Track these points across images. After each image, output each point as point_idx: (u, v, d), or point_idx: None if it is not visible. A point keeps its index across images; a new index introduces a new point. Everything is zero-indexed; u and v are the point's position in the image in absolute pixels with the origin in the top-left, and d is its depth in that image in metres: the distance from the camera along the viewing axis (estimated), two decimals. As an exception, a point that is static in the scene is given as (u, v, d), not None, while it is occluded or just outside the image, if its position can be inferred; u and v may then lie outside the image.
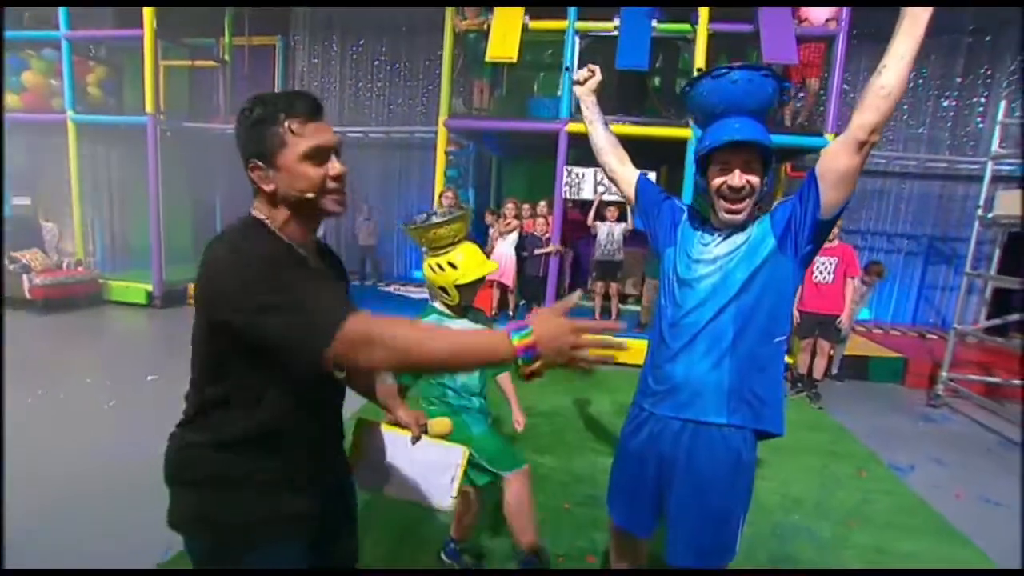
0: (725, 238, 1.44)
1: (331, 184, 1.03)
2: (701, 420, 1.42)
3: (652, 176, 5.26)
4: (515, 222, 6.02)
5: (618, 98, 5.74)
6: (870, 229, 7.69)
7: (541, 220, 5.96)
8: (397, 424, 1.45)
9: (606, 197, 5.60)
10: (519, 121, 5.74)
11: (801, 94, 5.80)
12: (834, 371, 5.42)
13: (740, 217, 1.41)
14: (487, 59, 5.40)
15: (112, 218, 8.37)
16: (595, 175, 5.54)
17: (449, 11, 5.72)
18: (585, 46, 5.49)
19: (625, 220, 5.72)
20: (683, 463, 1.44)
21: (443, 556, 2.24)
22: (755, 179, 1.39)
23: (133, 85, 7.60)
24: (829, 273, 4.56)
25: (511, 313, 6.27)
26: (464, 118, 6.20)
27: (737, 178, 1.38)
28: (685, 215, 1.58)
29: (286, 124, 0.99)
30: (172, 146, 7.11)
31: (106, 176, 8.17)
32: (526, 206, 6.20)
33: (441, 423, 1.61)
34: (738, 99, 1.40)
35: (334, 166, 1.03)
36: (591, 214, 5.78)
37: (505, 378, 2.22)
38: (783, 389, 1.58)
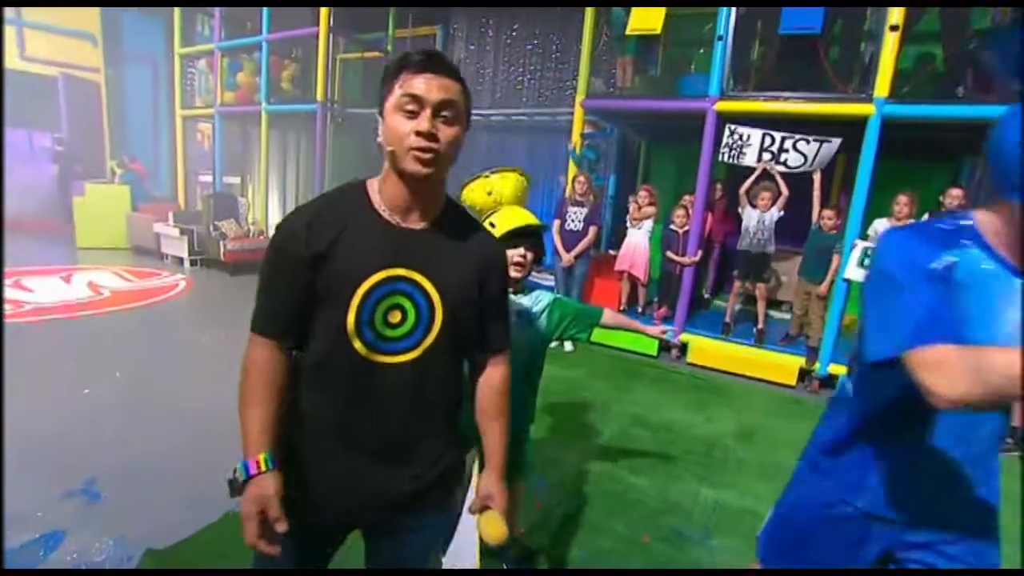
0: None
1: (413, 140, 0.92)
2: None
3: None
4: (650, 209, 5.52)
5: (781, 71, 4.82)
6: None
7: (681, 211, 5.36)
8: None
9: (777, 168, 4.54)
10: (659, 100, 5.17)
11: None
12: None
13: None
14: (627, 31, 4.96)
15: (297, 194, 9.67)
16: (762, 139, 4.51)
17: (593, -14, 5.37)
18: (742, 12, 4.69)
19: (777, 205, 4.70)
20: None
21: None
22: None
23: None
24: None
25: (640, 309, 5.82)
26: (603, 98, 5.84)
27: None
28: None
29: (401, 76, 0.93)
30: (342, 131, 7.91)
31: (295, 159, 9.43)
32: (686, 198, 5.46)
33: (496, 526, 1.16)
34: None
35: (422, 123, 0.92)
36: (746, 184, 4.79)
37: (611, 316, 1.91)
38: None
